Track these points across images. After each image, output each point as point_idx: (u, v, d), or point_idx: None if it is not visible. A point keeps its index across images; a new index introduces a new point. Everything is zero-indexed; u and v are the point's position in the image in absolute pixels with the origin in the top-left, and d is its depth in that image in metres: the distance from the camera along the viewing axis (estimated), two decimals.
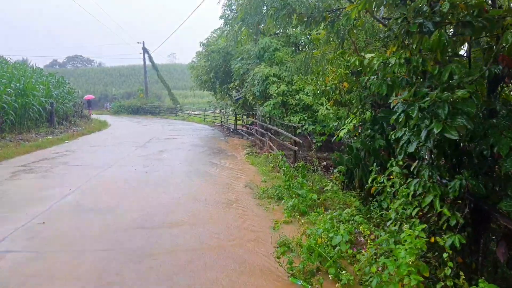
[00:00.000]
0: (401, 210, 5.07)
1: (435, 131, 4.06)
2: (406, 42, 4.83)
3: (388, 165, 6.50)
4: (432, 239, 4.78)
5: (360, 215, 6.57)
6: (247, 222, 7.14)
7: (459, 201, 4.88)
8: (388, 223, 4.94)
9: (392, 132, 5.81)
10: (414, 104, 4.38)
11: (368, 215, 6.94)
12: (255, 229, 6.76)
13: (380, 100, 8.35)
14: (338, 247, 5.10)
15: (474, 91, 4.22)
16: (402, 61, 4.54)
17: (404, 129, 5.29)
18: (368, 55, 5.14)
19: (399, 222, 4.97)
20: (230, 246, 5.99)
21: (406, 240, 3.76)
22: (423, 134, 4.40)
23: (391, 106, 7.07)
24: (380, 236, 5.44)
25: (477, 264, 5.19)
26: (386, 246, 4.30)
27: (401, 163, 6.27)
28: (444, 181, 5.12)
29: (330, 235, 5.58)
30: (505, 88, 5.51)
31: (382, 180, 6.20)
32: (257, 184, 10.01)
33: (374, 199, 7.16)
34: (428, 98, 4.20)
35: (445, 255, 4.09)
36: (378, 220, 6.81)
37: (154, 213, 7.58)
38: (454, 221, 4.62)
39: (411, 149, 4.72)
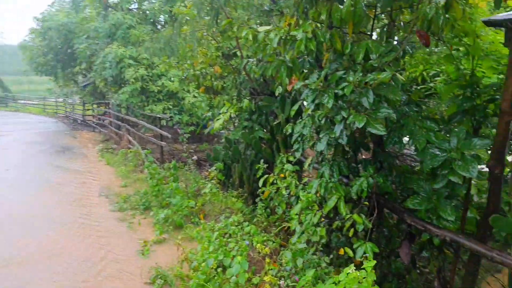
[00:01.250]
0: (305, 220, 4.14)
1: (358, 125, 3.16)
2: (310, 12, 3.84)
3: (278, 161, 5.59)
4: (341, 251, 4.00)
5: (251, 224, 5.52)
6: (105, 247, 5.39)
7: (366, 202, 4.20)
8: (294, 239, 3.97)
9: (288, 126, 4.86)
10: (327, 91, 3.42)
11: (256, 219, 5.97)
12: (118, 258, 5.09)
13: (259, 86, 7.43)
14: (234, 278, 3.90)
15: (394, 73, 3.46)
16: (310, 35, 3.52)
17: (303, 121, 4.36)
18: (263, 28, 4.01)
19: (304, 235, 4.03)
20: None
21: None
22: (338, 128, 3.49)
23: (276, 93, 6.18)
24: (283, 253, 4.46)
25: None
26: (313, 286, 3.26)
27: (292, 158, 5.41)
28: (341, 177, 4.39)
29: (220, 257, 4.37)
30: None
31: (274, 180, 5.24)
32: (116, 191, 8.13)
33: (259, 198, 6.22)
34: (346, 84, 3.28)
35: (369, 280, 3.22)
36: (265, 223, 5.90)
37: None
38: (362, 227, 3.89)
39: (321, 147, 3.79)
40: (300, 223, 4.09)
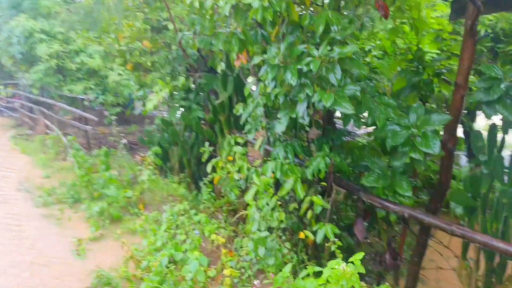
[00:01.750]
0: (262, 205, 3.90)
1: (326, 103, 2.93)
2: None
3: (225, 143, 5.26)
4: (302, 234, 3.84)
5: (198, 211, 5.17)
6: (33, 250, 4.69)
7: (324, 183, 4.06)
8: (254, 227, 3.70)
9: (238, 105, 4.51)
10: (289, 67, 3.12)
11: (202, 205, 5.62)
12: (50, 261, 4.45)
13: (196, 62, 6.93)
14: (191, 274, 3.55)
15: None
16: (267, 3, 3.16)
17: (256, 100, 4.06)
18: None
19: (264, 222, 3.79)
20: None
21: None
22: (301, 107, 3.24)
23: (218, 70, 5.76)
24: (238, 241, 4.21)
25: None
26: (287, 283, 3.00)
27: (241, 140, 5.13)
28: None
29: (172, 251, 3.98)
30: None
31: (223, 165, 4.91)
32: (38, 183, 7.17)
33: (203, 183, 5.87)
34: (310, 59, 3.01)
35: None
36: (212, 209, 5.59)
37: None
38: (320, 209, 3.77)
39: (281, 128, 3.53)
40: (258, 208, 3.84)
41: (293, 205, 4.21)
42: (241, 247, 4.11)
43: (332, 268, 2.23)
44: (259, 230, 3.64)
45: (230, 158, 5.02)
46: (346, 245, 4.84)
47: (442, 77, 4.51)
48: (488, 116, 3.15)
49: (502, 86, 2.96)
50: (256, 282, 3.31)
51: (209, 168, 4.91)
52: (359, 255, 2.26)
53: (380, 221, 4.49)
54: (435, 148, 3.16)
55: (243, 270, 3.67)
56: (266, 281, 3.51)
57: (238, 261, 3.78)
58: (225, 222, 5.15)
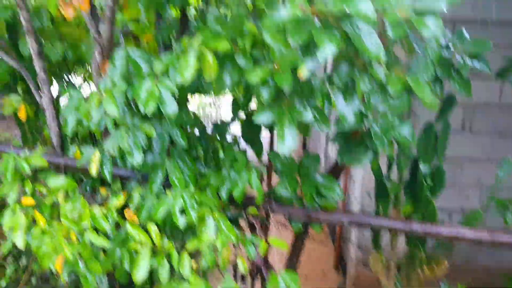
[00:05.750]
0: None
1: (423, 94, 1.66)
2: None
3: (8, 173, 2.59)
4: None
5: None
6: None
7: (254, 210, 2.68)
8: None
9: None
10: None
11: None
12: None
13: None
14: None
15: None
16: None
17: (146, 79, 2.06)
18: None
19: None
20: None
21: None
22: (347, 108, 1.77)
23: None
24: None
25: None
26: None
27: (40, 161, 2.67)
28: None
29: None
30: None
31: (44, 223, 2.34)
32: None
33: None
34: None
35: None
36: None
37: None
38: (254, 251, 2.52)
39: (290, 145, 1.86)
40: None
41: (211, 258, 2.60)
42: None
43: None
44: None
45: (29, 202, 2.48)
46: None
47: None
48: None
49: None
50: None
51: (19, 240, 2.21)
52: None
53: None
54: (409, 134, 2.58)
55: None
56: None
57: None
58: None
